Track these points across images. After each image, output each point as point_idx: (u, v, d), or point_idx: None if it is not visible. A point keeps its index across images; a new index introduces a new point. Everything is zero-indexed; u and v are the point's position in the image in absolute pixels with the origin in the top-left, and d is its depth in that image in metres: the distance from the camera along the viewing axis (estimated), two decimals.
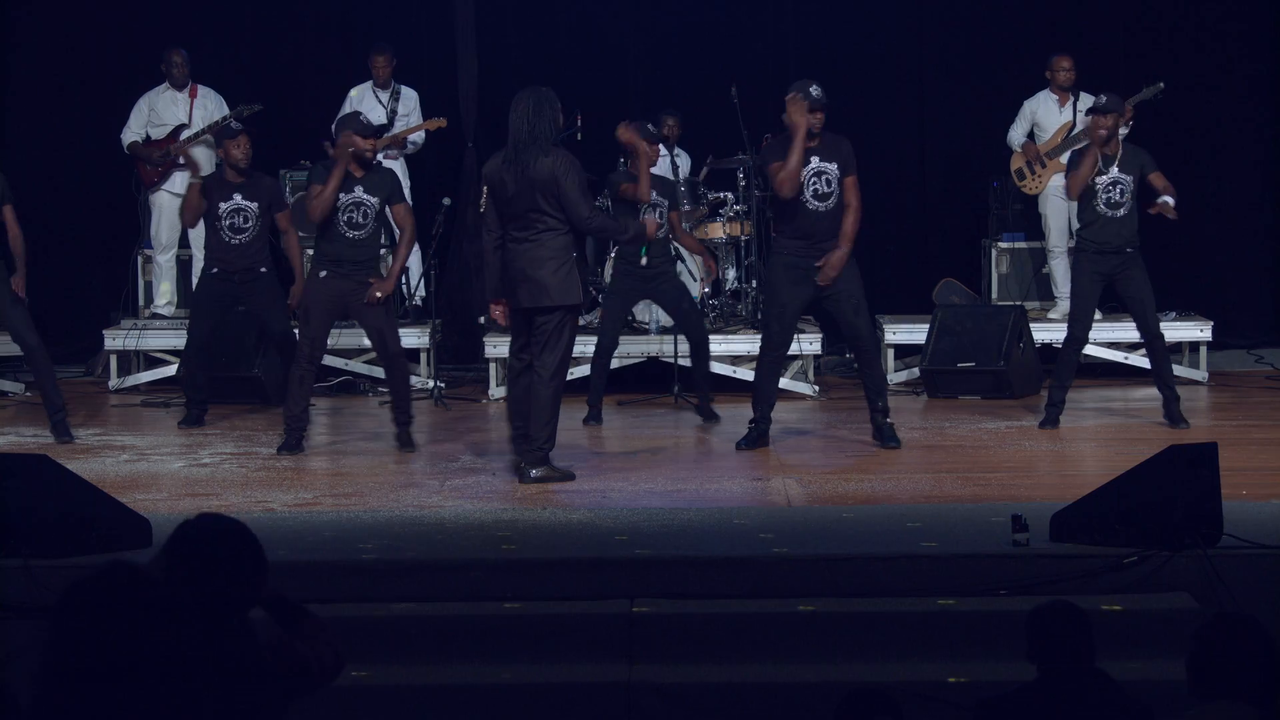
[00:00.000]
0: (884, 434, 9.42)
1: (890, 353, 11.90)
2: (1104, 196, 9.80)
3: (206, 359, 10.62)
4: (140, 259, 12.75)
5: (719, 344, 11.14)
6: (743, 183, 11.87)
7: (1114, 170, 9.81)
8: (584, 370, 10.65)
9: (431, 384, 11.50)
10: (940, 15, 13.49)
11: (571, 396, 9.38)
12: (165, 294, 12.48)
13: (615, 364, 10.95)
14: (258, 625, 4.06)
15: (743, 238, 11.82)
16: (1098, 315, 10.49)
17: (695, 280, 11.40)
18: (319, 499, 8.27)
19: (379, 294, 9.33)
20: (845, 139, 9.30)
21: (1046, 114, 12.24)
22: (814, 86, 9.06)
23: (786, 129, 9.08)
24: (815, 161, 9.13)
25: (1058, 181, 11.73)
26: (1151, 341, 9.97)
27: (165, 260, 12.46)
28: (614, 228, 9.21)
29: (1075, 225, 10.92)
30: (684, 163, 12.05)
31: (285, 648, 4.07)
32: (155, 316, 12.44)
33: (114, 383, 12.00)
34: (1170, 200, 9.78)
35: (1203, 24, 13.15)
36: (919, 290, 12.73)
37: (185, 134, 12.32)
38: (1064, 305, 12.20)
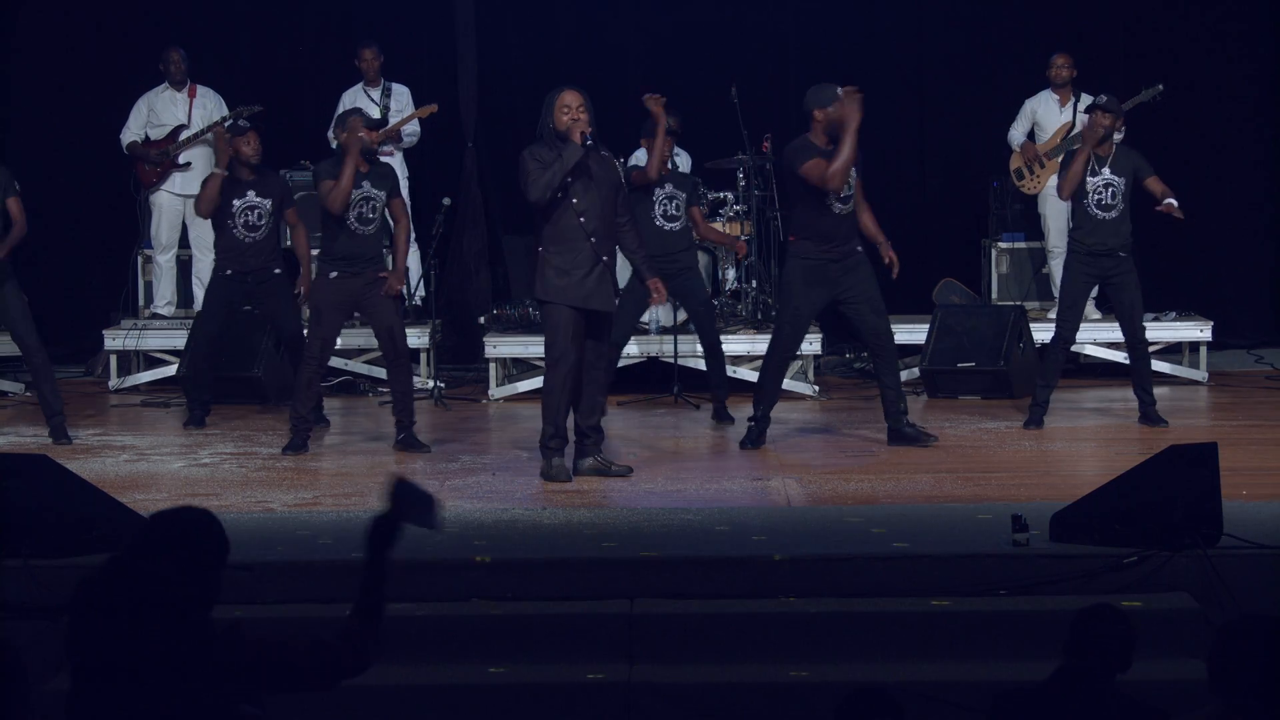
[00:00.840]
0: (908, 437, 9.39)
1: None
2: (1095, 198, 9.79)
3: (213, 359, 10.60)
4: (140, 259, 12.75)
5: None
6: (742, 183, 11.88)
7: (1106, 172, 9.80)
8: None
9: (431, 384, 11.49)
10: (940, 15, 13.50)
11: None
12: (165, 294, 12.49)
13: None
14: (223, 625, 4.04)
15: (743, 237, 11.81)
16: (1097, 316, 10.52)
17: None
18: (319, 499, 8.27)
19: (398, 287, 9.38)
20: None
21: (1047, 113, 12.25)
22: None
23: (789, 130, 9.08)
24: None
25: (1057, 181, 11.73)
26: (1135, 346, 9.97)
27: (165, 260, 12.47)
28: (535, 173, 8.45)
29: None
30: (684, 162, 12.03)
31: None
32: (155, 316, 12.44)
33: (114, 383, 12.01)
34: (1174, 201, 9.79)
35: (1203, 24, 13.15)
36: (919, 290, 12.73)
37: (184, 134, 12.33)
38: None
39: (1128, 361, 10.31)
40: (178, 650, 3.67)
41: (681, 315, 11.28)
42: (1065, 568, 6.52)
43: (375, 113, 12.28)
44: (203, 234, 12.45)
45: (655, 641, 6.29)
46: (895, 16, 13.56)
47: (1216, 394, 11.54)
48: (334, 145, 12.46)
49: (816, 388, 11.48)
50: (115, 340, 12.08)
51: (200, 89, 12.42)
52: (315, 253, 10.31)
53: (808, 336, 11.49)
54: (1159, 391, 10.23)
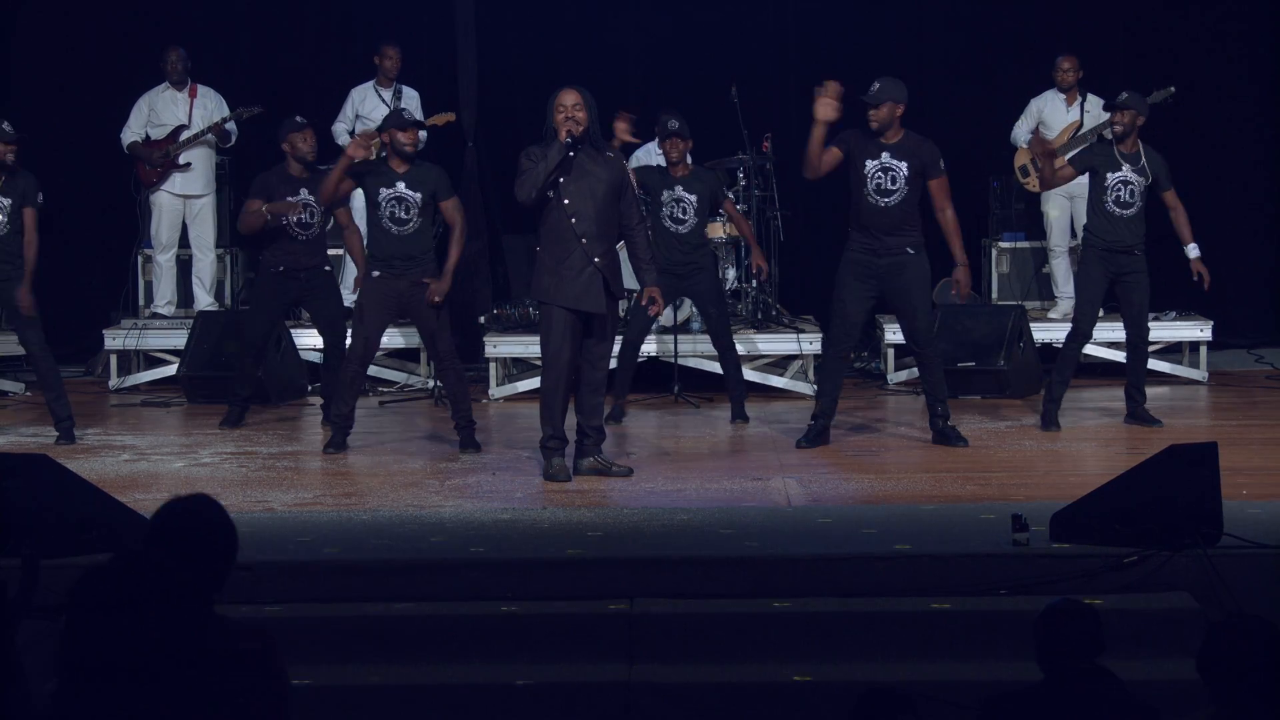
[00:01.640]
0: (947, 437, 9.43)
1: (890, 353, 11.91)
2: (1113, 195, 9.75)
3: (260, 357, 10.56)
4: (140, 259, 12.76)
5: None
6: (742, 182, 11.88)
7: (1126, 169, 9.75)
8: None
9: (432, 384, 11.49)
10: (940, 15, 13.50)
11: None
12: (165, 294, 12.50)
13: (614, 364, 10.87)
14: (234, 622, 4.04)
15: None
16: (1099, 314, 10.45)
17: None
18: (319, 499, 8.27)
19: (437, 296, 9.33)
20: (929, 141, 9.31)
21: (1053, 113, 12.23)
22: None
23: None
24: (885, 157, 9.22)
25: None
26: (1137, 345, 9.96)
27: (165, 260, 12.47)
28: (523, 172, 8.48)
29: (1079, 224, 10.92)
30: None
31: None
32: (155, 316, 12.45)
33: (114, 383, 12.01)
34: (1197, 251, 9.79)
35: (1203, 24, 13.16)
36: None
37: (185, 134, 12.33)
38: (1064, 305, 12.20)
39: (1150, 364, 10.30)
40: (172, 643, 3.66)
41: (682, 315, 11.28)
42: (1065, 568, 6.52)
43: (384, 112, 12.28)
44: (203, 234, 12.47)
45: (655, 641, 6.28)
46: (895, 16, 13.56)
47: (1216, 394, 11.54)
48: (338, 142, 12.51)
49: (817, 387, 11.46)
50: (115, 340, 12.08)
51: (201, 89, 12.42)
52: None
53: (807, 335, 11.51)
54: (1159, 391, 10.25)
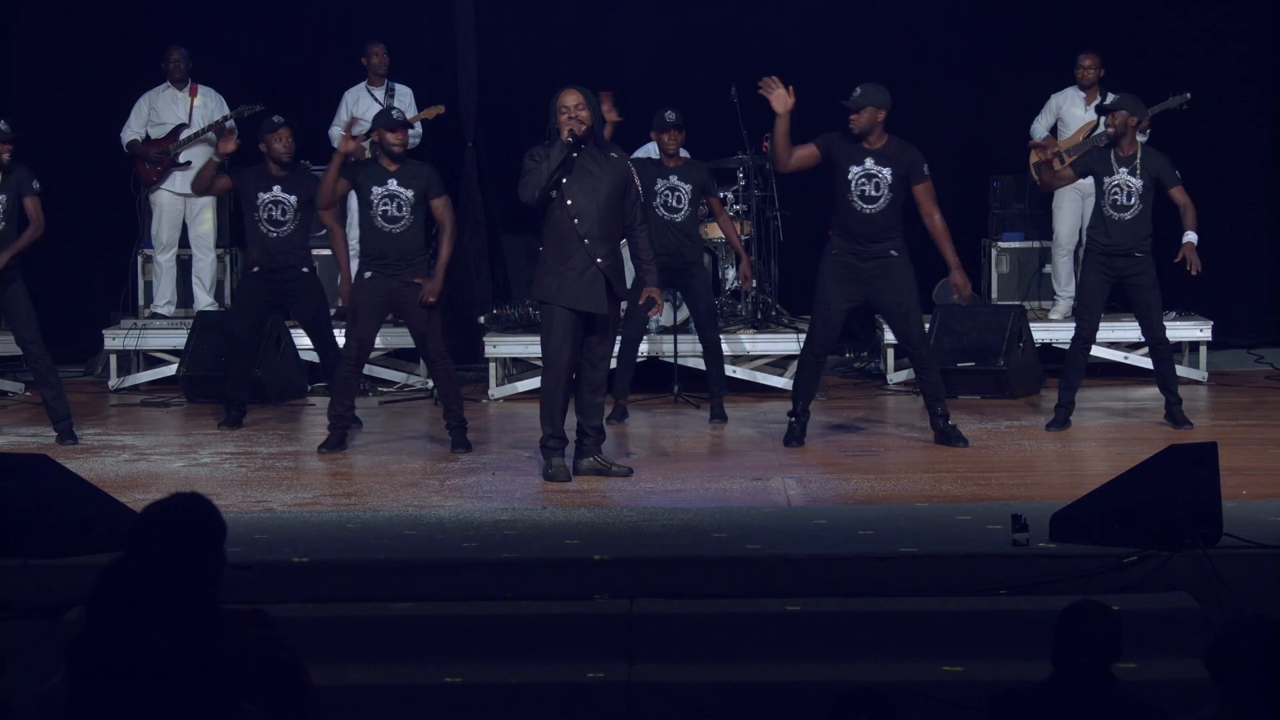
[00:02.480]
0: (948, 436, 9.42)
1: (890, 352, 11.90)
2: (1110, 199, 9.73)
3: (249, 358, 10.58)
4: (140, 259, 12.75)
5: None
6: (742, 182, 11.88)
7: (1123, 173, 9.73)
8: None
9: (431, 384, 11.49)
10: (940, 15, 13.50)
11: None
12: (165, 294, 12.50)
13: (614, 364, 10.85)
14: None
15: (742, 237, 11.81)
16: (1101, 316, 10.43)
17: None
18: (319, 499, 8.27)
19: (430, 297, 9.32)
20: (912, 147, 9.31)
21: (1071, 110, 12.22)
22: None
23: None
24: (868, 163, 9.19)
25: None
26: (1156, 346, 9.92)
27: (165, 260, 12.47)
28: (526, 173, 8.49)
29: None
30: None
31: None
32: (155, 316, 12.44)
33: (114, 383, 12.01)
34: (1193, 238, 9.74)
35: (1203, 24, 13.15)
36: (919, 290, 12.71)
37: (185, 133, 12.33)
38: (1064, 304, 12.20)
39: (1150, 364, 10.30)
40: (180, 638, 3.66)
41: (682, 315, 11.27)
42: (1065, 568, 6.51)
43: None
44: (203, 233, 12.47)
45: (655, 641, 6.28)
46: (895, 16, 13.56)
47: (1216, 394, 11.54)
48: (336, 145, 12.50)
49: (795, 385, 11.44)
50: (115, 340, 12.08)
51: (201, 88, 12.43)
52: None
53: (804, 336, 11.49)
54: (1158, 391, 10.22)
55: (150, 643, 3.59)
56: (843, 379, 12.22)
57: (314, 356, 11.81)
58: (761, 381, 11.58)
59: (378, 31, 12.90)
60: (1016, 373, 11.25)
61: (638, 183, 8.57)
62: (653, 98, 12.81)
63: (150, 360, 12.19)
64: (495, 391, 11.53)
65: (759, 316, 11.88)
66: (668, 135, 10.50)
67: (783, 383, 11.54)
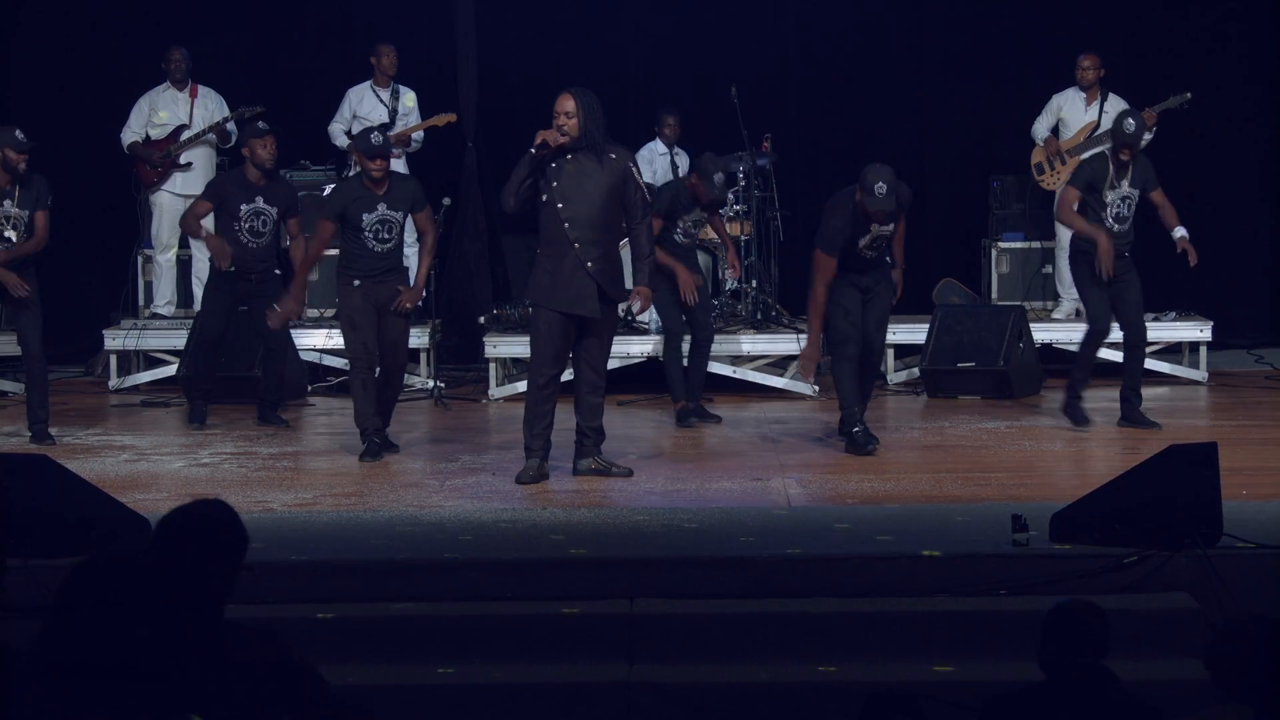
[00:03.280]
0: (857, 443, 9.23)
1: (890, 352, 11.90)
2: (1113, 211, 9.75)
3: (214, 357, 10.59)
4: (140, 259, 12.76)
5: (719, 344, 11.11)
6: (742, 182, 11.87)
7: (1125, 185, 9.75)
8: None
9: (431, 384, 11.49)
10: (940, 15, 13.50)
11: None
12: (165, 294, 12.50)
13: (614, 364, 10.83)
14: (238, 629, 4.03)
15: (743, 237, 11.82)
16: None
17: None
18: (319, 499, 8.27)
19: (408, 304, 9.32)
20: (903, 186, 9.18)
21: (1073, 111, 12.22)
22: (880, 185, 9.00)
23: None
24: (874, 228, 9.05)
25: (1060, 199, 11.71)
26: (1135, 346, 9.93)
27: (165, 260, 12.47)
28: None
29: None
30: (684, 162, 12.05)
31: None
32: (155, 316, 12.45)
33: (114, 383, 12.01)
34: (1184, 231, 9.76)
35: (1203, 24, 13.16)
36: (919, 290, 12.74)
37: (186, 134, 12.33)
38: (1067, 304, 12.20)
39: (1149, 363, 10.28)
40: (184, 647, 3.65)
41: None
42: (1065, 568, 6.51)
43: (383, 112, 12.31)
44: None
45: (655, 641, 6.28)
46: (895, 16, 13.56)
47: (1216, 394, 11.54)
48: (335, 142, 12.52)
49: (816, 388, 11.46)
50: (115, 340, 12.08)
51: (201, 89, 12.43)
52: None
53: (804, 337, 11.48)
54: (1159, 391, 10.24)
55: (141, 645, 3.56)
56: None
57: (314, 356, 11.85)
58: (762, 382, 11.57)
59: (378, 31, 12.91)
60: (1016, 373, 11.25)
61: (639, 178, 8.53)
62: (653, 98, 12.85)
63: (150, 360, 12.19)
64: (495, 392, 11.53)
65: (759, 317, 11.88)
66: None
67: (783, 383, 11.55)
